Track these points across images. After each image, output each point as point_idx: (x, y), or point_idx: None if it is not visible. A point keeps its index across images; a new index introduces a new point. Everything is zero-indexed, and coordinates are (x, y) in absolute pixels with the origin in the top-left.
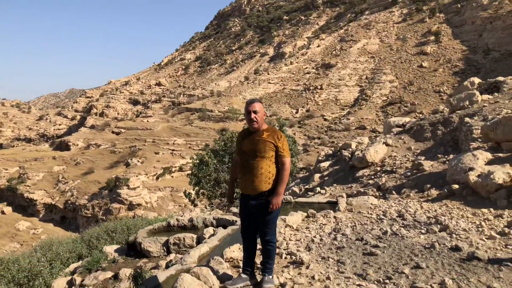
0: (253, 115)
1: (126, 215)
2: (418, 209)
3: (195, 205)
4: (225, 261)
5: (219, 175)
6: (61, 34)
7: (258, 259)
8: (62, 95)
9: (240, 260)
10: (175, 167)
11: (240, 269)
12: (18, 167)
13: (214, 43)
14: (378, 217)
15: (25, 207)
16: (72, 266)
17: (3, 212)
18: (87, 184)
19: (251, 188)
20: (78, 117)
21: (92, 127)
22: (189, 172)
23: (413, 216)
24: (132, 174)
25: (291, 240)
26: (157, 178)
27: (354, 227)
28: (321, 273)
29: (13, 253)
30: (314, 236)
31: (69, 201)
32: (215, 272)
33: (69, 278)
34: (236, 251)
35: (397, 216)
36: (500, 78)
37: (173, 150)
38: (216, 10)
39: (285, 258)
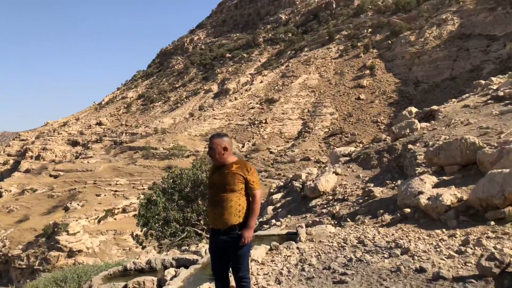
0: (211, 151)
1: (66, 263)
2: (376, 234)
3: (144, 247)
4: None
5: (169, 214)
6: None
7: None
8: None
9: None
10: (118, 208)
11: None
12: None
13: (157, 80)
14: (340, 245)
15: None
16: None
17: None
18: (22, 232)
19: (221, 221)
20: (11, 161)
21: (27, 171)
22: (134, 213)
23: (372, 241)
24: (72, 218)
25: (259, 274)
26: (99, 222)
27: (319, 257)
28: None
29: None
30: (282, 269)
31: (0, 252)
32: None
33: None
34: None
35: (357, 243)
36: (435, 107)
37: (115, 191)
38: (158, 49)
39: None
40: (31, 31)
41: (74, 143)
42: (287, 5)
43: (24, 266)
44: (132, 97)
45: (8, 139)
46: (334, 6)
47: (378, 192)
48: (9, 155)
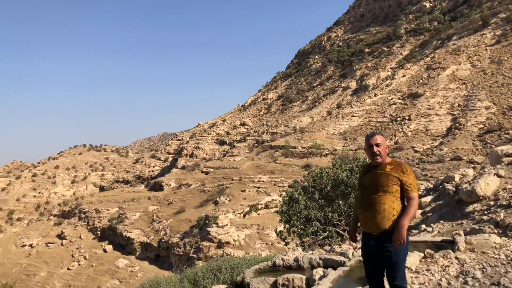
0: (375, 149)
1: (216, 253)
2: None
3: (286, 244)
4: None
5: (310, 212)
6: (152, 83)
7: None
8: (155, 139)
9: None
10: (261, 204)
11: None
12: (118, 208)
13: (295, 80)
14: (509, 258)
15: (124, 245)
16: None
17: (105, 250)
18: (179, 222)
19: (372, 225)
20: (170, 158)
21: (183, 167)
22: (276, 209)
23: None
24: (221, 212)
25: (413, 283)
26: (244, 216)
27: (484, 270)
28: None
29: None
30: (440, 280)
31: (162, 240)
32: None
33: None
34: None
35: None
36: None
37: (258, 187)
38: (296, 50)
39: None
40: (178, 41)
41: (222, 142)
42: None
43: (181, 253)
44: (272, 98)
45: (167, 139)
46: None
47: None
48: (168, 153)
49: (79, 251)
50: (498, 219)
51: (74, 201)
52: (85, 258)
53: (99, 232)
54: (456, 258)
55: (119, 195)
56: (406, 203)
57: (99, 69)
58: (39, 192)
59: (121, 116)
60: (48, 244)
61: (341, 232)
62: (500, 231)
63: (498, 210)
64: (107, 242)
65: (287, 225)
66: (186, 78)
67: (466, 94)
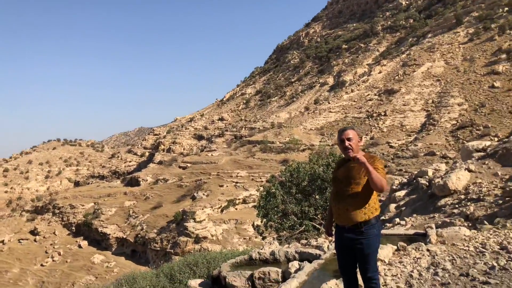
0: (347, 143)
1: (193, 248)
2: None
3: (264, 238)
4: None
5: (287, 206)
6: (129, 77)
7: None
8: (132, 134)
9: None
10: (239, 199)
11: None
12: (93, 203)
13: (274, 76)
14: (478, 250)
15: (99, 241)
16: None
17: (80, 246)
18: (156, 218)
19: (345, 218)
20: (147, 153)
21: (160, 162)
22: (253, 204)
23: None
24: (198, 207)
25: (386, 275)
26: (222, 211)
27: (454, 261)
28: None
29: (89, 285)
30: (412, 271)
31: (139, 235)
32: None
33: None
34: (333, 287)
35: (499, 249)
36: None
37: (236, 182)
38: (274, 45)
39: None
40: (160, 35)
41: (199, 137)
42: None
43: (158, 248)
44: (251, 93)
45: (144, 134)
46: None
47: None
48: (145, 148)
49: (53, 247)
50: (468, 213)
51: (48, 197)
52: (59, 254)
53: (74, 228)
54: (428, 250)
55: (95, 191)
56: None
57: (75, 63)
58: (11, 188)
59: (96, 111)
60: (21, 240)
61: (317, 226)
62: (470, 224)
63: (468, 204)
64: (82, 238)
65: (264, 220)
66: (163, 72)
67: (440, 91)
